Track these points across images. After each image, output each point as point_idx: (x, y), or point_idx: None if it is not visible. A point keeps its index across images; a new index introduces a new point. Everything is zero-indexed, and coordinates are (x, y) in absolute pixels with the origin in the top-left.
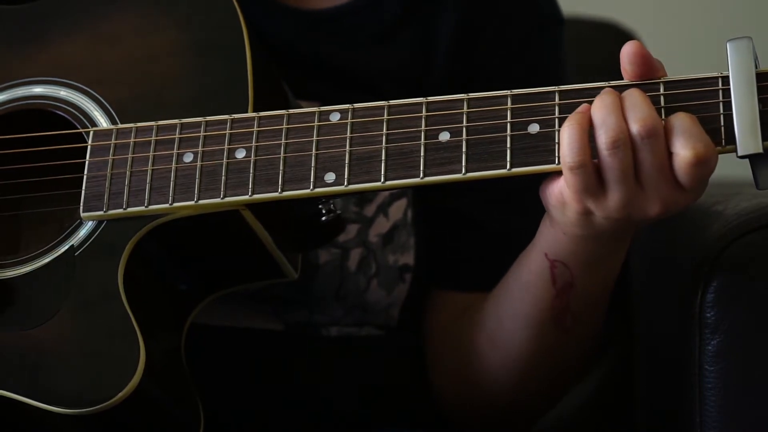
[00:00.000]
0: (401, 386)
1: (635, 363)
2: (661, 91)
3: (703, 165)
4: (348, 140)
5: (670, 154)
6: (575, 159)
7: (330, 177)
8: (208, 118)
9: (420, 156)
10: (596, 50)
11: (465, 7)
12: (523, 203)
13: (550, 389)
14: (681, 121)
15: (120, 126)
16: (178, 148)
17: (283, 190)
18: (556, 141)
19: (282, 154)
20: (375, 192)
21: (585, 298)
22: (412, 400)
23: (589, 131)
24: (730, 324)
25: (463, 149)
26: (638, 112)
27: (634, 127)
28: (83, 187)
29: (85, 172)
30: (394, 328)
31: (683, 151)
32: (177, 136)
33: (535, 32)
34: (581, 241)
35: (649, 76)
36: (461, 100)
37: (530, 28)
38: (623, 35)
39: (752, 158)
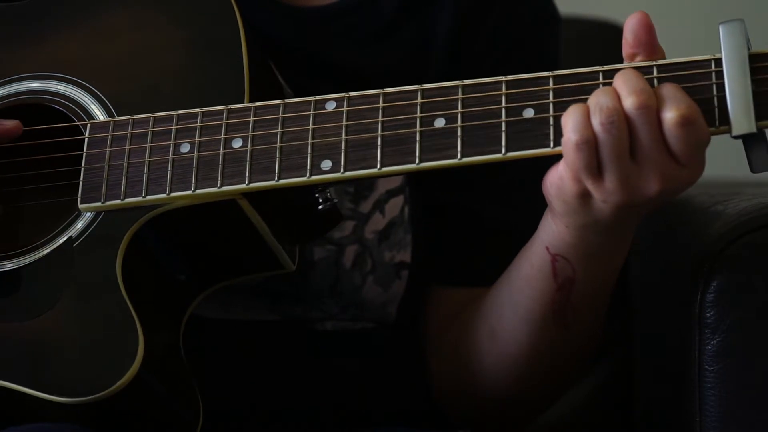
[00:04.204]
0: (397, 380)
1: (635, 363)
2: (655, 74)
3: (689, 125)
4: (344, 128)
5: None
6: (582, 134)
7: (326, 164)
8: (205, 108)
9: (416, 142)
10: (596, 50)
11: (462, 5)
12: (521, 197)
13: (550, 385)
14: (666, 89)
15: (117, 118)
16: (175, 139)
17: (279, 179)
18: (551, 125)
19: (278, 143)
20: (371, 189)
21: (586, 292)
22: (408, 394)
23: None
24: (730, 324)
25: (459, 135)
26: (631, 85)
27: (628, 101)
28: (81, 179)
29: (83, 164)
30: (391, 325)
31: (668, 114)
32: (174, 127)
33: (532, 30)
34: (582, 232)
35: (650, 44)
36: (456, 87)
37: (527, 25)
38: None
39: (746, 139)
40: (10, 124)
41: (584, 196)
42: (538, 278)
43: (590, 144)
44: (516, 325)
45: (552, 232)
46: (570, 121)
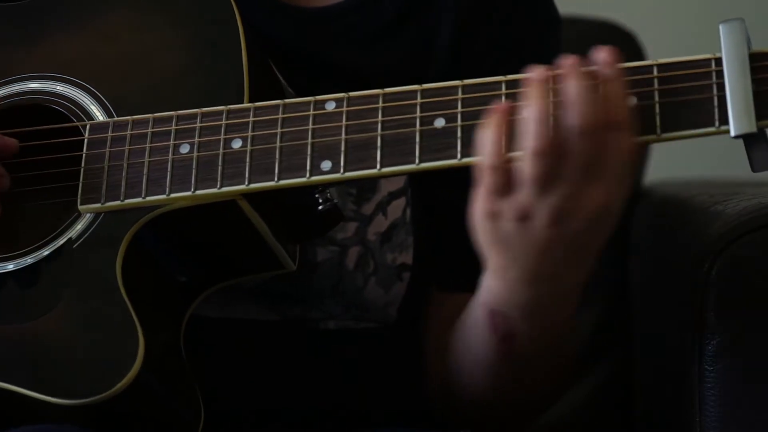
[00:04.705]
0: (398, 380)
1: (635, 363)
2: (655, 73)
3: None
4: (344, 128)
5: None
6: (540, 144)
7: (326, 165)
8: (204, 109)
9: (415, 142)
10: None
11: (463, 6)
12: None
13: (530, 402)
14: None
15: (116, 119)
16: (175, 140)
17: (279, 179)
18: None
19: (278, 144)
20: (374, 191)
21: (533, 345)
22: (408, 394)
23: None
24: (730, 324)
25: (458, 135)
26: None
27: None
28: (80, 180)
29: (83, 164)
30: (392, 326)
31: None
32: (173, 127)
33: (533, 31)
34: (515, 285)
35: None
36: (456, 87)
37: (527, 26)
38: (623, 35)
39: (746, 139)
40: (9, 140)
41: (495, 217)
42: (481, 329)
43: (542, 156)
44: (470, 365)
45: (488, 288)
46: (486, 139)
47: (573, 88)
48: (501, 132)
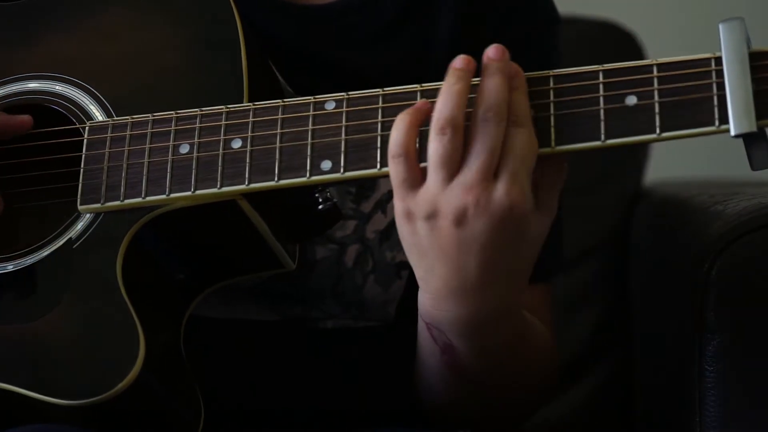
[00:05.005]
0: (398, 380)
1: (635, 363)
2: (655, 73)
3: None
4: (344, 128)
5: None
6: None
7: (326, 165)
8: (204, 109)
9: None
10: (597, 50)
11: (464, 6)
12: None
13: (503, 413)
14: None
15: (116, 119)
16: (174, 140)
17: (279, 179)
18: (552, 125)
19: (278, 144)
20: (373, 189)
21: (479, 362)
22: (408, 394)
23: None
24: (730, 324)
25: None
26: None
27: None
28: (80, 180)
29: (82, 165)
30: (391, 324)
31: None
32: (173, 128)
33: (534, 32)
34: (438, 302)
35: None
36: None
37: (528, 28)
38: (623, 35)
39: (746, 138)
40: (24, 117)
41: (408, 216)
42: (426, 339)
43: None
44: (425, 373)
45: (420, 302)
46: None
47: (488, 83)
48: (409, 124)
